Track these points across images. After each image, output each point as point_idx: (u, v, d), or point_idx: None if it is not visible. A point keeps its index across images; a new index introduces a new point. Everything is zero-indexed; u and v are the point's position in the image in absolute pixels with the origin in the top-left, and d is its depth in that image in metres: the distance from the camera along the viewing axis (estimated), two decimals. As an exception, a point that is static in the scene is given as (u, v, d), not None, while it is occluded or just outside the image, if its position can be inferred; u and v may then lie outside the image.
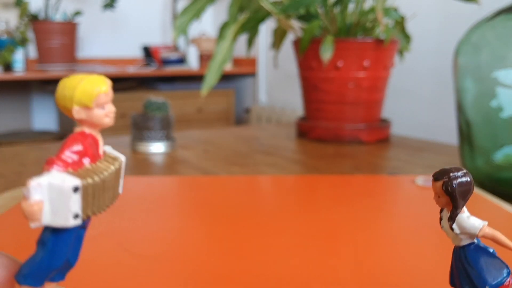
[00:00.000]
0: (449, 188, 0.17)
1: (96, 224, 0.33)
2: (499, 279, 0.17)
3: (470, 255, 0.18)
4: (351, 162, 0.62)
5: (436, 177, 0.18)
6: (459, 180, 0.17)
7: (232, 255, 0.29)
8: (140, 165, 0.60)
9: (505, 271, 0.17)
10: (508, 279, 0.17)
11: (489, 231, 0.17)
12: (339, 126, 0.76)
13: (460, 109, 0.49)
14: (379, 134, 0.77)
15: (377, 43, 0.74)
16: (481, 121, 0.47)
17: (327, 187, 0.44)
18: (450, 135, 1.40)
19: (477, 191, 0.44)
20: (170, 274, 0.26)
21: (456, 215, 0.17)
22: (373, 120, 0.79)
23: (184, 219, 0.36)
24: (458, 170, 0.17)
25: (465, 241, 0.18)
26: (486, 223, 0.17)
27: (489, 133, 0.47)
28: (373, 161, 0.63)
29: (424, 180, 0.45)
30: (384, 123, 0.79)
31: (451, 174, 0.17)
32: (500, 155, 0.46)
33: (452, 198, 0.17)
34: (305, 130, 0.80)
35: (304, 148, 0.72)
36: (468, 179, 0.17)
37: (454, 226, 0.18)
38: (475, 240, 0.18)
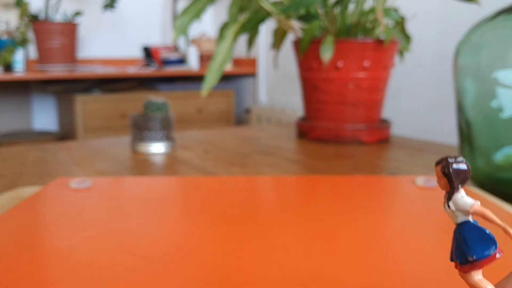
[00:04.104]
0: (446, 170, 0.20)
1: (96, 225, 0.33)
2: (486, 251, 0.20)
3: (464, 230, 0.20)
4: (351, 162, 0.62)
5: (437, 162, 0.20)
6: (454, 164, 0.20)
7: (232, 255, 0.29)
8: (140, 165, 0.60)
9: (493, 245, 0.20)
10: (495, 252, 0.20)
11: (479, 208, 0.20)
12: (339, 126, 0.76)
13: (460, 109, 0.49)
14: (379, 135, 0.77)
15: (377, 44, 0.74)
16: (481, 121, 0.47)
17: (327, 188, 0.44)
18: (450, 135, 1.40)
19: (477, 191, 0.44)
20: (170, 275, 0.26)
21: (452, 194, 0.20)
22: (373, 120, 0.79)
23: (184, 219, 0.36)
24: (456, 157, 0.20)
25: (460, 218, 0.20)
26: (478, 202, 0.20)
27: (489, 134, 0.47)
28: (373, 162, 0.63)
29: (424, 181, 0.45)
30: (384, 124, 0.79)
31: (449, 159, 0.20)
32: (500, 156, 0.46)
33: (449, 179, 0.20)
34: (305, 131, 0.80)
35: (304, 149, 0.72)
36: (464, 165, 0.20)
37: (450, 203, 0.20)
38: (471, 219, 0.20)
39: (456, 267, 0.21)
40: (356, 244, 0.31)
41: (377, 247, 0.30)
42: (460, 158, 0.20)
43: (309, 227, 0.34)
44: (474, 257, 0.19)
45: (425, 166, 0.60)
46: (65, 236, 0.31)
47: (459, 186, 0.20)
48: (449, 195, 0.20)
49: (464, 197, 0.20)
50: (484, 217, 0.19)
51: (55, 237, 0.31)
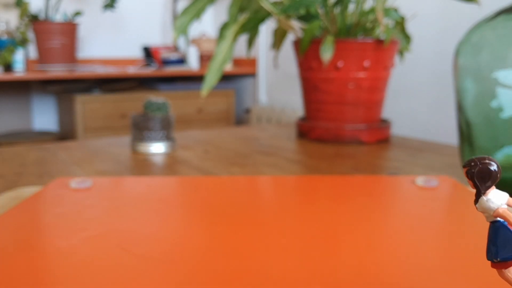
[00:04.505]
0: (469, 174, 0.19)
1: (96, 225, 0.33)
2: (509, 255, 0.19)
3: (492, 231, 0.20)
4: (351, 162, 0.62)
5: (464, 164, 0.20)
6: (479, 167, 0.19)
7: (232, 255, 0.29)
8: (140, 165, 0.60)
9: None
10: None
11: (502, 212, 0.19)
12: (339, 126, 0.76)
13: (460, 109, 0.49)
14: (379, 135, 0.77)
15: (377, 44, 0.74)
16: (481, 121, 0.47)
17: (327, 188, 0.44)
18: (450, 135, 1.40)
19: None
20: (170, 275, 0.26)
21: (479, 197, 0.20)
22: (373, 120, 0.79)
23: (184, 219, 0.36)
24: (482, 159, 0.19)
25: (489, 219, 0.20)
26: (505, 205, 0.19)
27: (489, 134, 0.47)
28: (373, 162, 0.63)
29: (424, 181, 0.45)
30: (384, 124, 0.79)
31: (472, 163, 0.19)
32: (500, 156, 0.46)
33: (473, 182, 0.20)
34: (305, 131, 0.80)
35: (304, 149, 0.72)
36: (492, 167, 0.19)
37: (477, 205, 0.20)
38: (500, 219, 0.20)
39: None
40: (356, 244, 0.31)
41: (377, 247, 0.30)
42: (487, 159, 0.19)
43: (309, 227, 0.34)
44: (498, 259, 0.20)
45: (425, 166, 0.60)
46: (65, 236, 0.31)
47: (485, 188, 0.19)
48: (476, 197, 0.20)
49: (489, 201, 0.19)
50: (508, 222, 0.19)
51: (55, 237, 0.31)
